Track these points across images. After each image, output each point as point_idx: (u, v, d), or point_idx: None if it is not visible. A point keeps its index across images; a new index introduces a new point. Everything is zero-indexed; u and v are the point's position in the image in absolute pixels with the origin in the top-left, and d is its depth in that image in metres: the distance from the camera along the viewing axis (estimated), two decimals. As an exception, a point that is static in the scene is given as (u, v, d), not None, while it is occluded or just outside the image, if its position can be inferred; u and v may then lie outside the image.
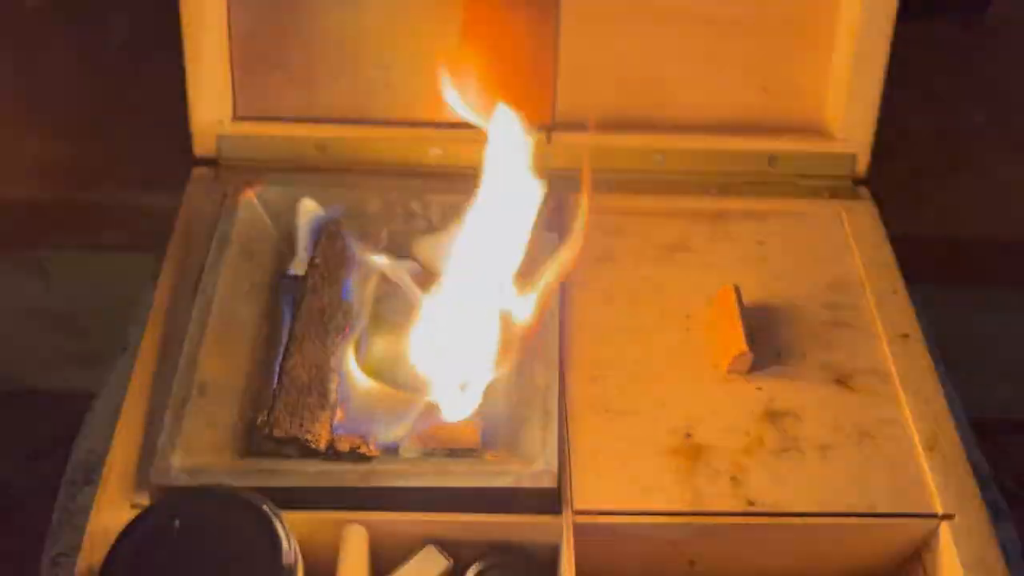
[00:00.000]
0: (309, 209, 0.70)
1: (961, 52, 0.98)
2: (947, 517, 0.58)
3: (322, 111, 0.77)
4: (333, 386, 0.62)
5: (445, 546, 0.56)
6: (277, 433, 0.59)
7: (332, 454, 0.59)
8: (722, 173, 0.78)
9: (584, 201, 0.61)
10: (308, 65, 0.76)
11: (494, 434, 0.61)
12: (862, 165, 0.78)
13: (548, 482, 0.56)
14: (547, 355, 0.63)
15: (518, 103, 0.76)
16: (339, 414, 0.61)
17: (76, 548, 0.56)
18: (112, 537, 0.51)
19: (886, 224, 0.75)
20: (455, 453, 0.60)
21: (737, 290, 0.67)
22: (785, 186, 0.78)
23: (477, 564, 0.56)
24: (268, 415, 0.61)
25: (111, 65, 0.92)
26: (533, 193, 0.63)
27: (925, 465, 0.60)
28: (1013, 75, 0.98)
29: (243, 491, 0.52)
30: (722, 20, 0.75)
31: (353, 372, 0.63)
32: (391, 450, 0.60)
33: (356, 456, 0.59)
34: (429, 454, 0.60)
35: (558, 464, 0.57)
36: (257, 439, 0.61)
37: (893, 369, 0.66)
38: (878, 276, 0.71)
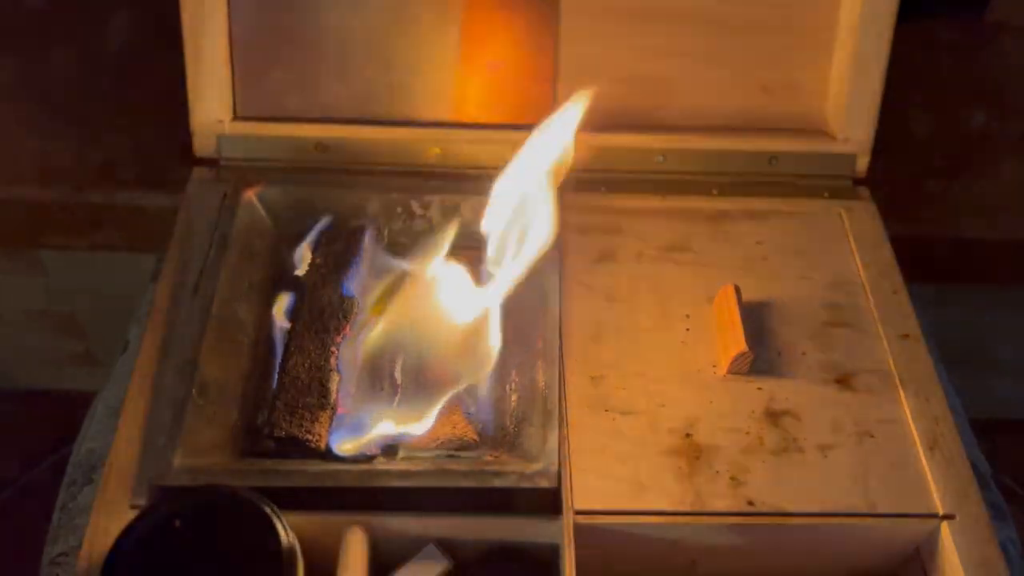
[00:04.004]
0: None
1: (961, 52, 0.98)
2: (947, 517, 0.58)
3: (322, 111, 0.77)
4: (333, 386, 0.62)
5: (445, 546, 0.56)
6: (277, 433, 0.59)
7: (332, 454, 0.59)
8: (722, 173, 0.78)
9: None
10: (307, 65, 0.76)
11: (494, 434, 0.61)
12: (862, 165, 0.78)
13: (548, 482, 0.56)
14: (547, 355, 0.63)
15: (518, 103, 0.77)
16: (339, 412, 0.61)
17: (76, 548, 0.56)
18: (112, 537, 0.51)
19: (886, 224, 0.75)
20: (455, 453, 0.60)
21: (737, 290, 0.67)
22: (785, 186, 0.78)
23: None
24: (268, 415, 0.61)
25: (111, 65, 0.91)
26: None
27: (925, 465, 0.60)
28: (1013, 75, 0.98)
29: (243, 491, 0.52)
30: (722, 20, 0.75)
31: (354, 370, 0.63)
32: (391, 450, 0.60)
33: (356, 456, 0.59)
34: (429, 454, 0.60)
35: (558, 464, 0.57)
36: (257, 439, 0.61)
37: (893, 369, 0.66)
38: (878, 276, 0.71)
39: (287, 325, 0.66)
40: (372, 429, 0.59)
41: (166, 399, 0.60)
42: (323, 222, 0.71)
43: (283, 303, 0.68)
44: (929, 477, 0.60)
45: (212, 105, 0.75)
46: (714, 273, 0.71)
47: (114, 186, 0.83)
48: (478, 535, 0.56)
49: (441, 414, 0.60)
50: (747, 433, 0.62)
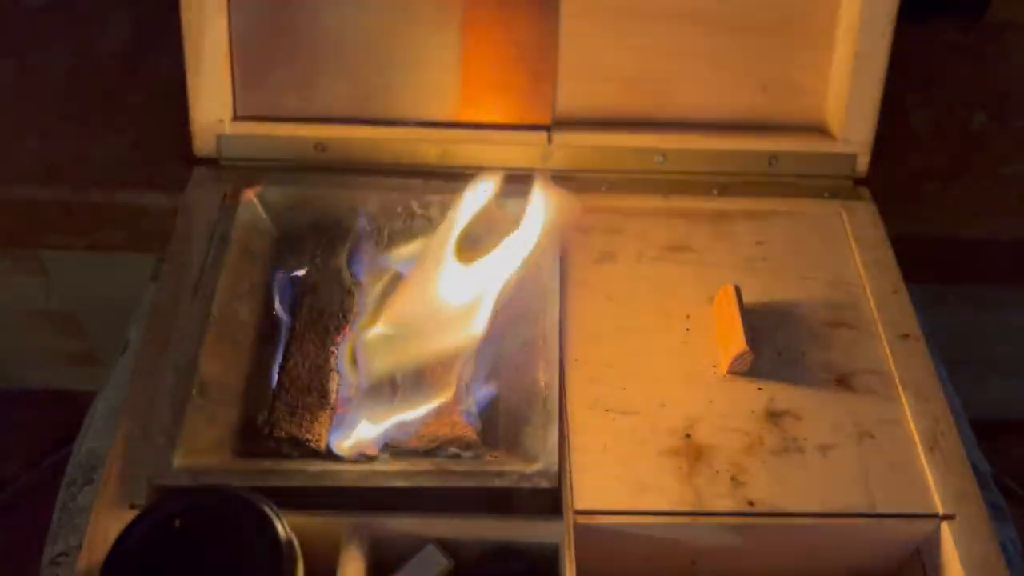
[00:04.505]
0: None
1: (961, 52, 0.98)
2: (947, 517, 0.58)
3: (322, 111, 0.77)
4: (333, 386, 0.62)
5: (445, 546, 0.56)
6: (277, 433, 0.59)
7: (332, 454, 0.59)
8: (722, 173, 0.78)
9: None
10: (308, 65, 0.76)
11: (494, 434, 0.61)
12: (862, 165, 0.78)
13: (548, 482, 0.56)
14: (547, 355, 0.63)
15: (518, 103, 0.77)
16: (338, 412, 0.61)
17: (76, 548, 0.56)
18: (112, 537, 0.51)
19: (886, 224, 0.75)
20: (455, 453, 0.60)
21: (737, 290, 0.67)
22: (785, 186, 0.78)
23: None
24: (268, 415, 0.61)
25: (111, 65, 0.91)
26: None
27: (925, 465, 0.60)
28: (1013, 75, 0.98)
29: (243, 491, 0.52)
30: (722, 20, 0.75)
31: (353, 370, 0.63)
32: (390, 450, 0.60)
33: (356, 456, 0.59)
34: (429, 454, 0.60)
35: (558, 464, 0.57)
36: (257, 439, 0.61)
37: (893, 369, 0.66)
38: (878, 276, 0.71)
39: (288, 325, 0.66)
40: (370, 430, 0.59)
41: (166, 399, 0.60)
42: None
43: (283, 303, 0.68)
44: (929, 477, 0.60)
45: (212, 105, 0.75)
46: (714, 273, 0.71)
47: (114, 186, 0.83)
48: (478, 535, 0.56)
49: (440, 414, 0.60)
50: (747, 433, 0.62)
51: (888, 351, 0.67)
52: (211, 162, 0.77)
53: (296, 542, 0.51)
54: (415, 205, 0.73)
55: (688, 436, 0.61)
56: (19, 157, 0.85)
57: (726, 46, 0.76)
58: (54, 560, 0.60)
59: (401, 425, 0.59)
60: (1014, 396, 1.15)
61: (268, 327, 0.67)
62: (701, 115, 0.78)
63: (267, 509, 0.51)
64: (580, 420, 0.62)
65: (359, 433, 0.59)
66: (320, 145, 0.76)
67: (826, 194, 0.77)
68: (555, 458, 0.57)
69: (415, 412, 0.59)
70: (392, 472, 0.57)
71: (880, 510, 0.58)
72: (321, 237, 0.71)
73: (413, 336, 0.63)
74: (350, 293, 0.67)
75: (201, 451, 0.58)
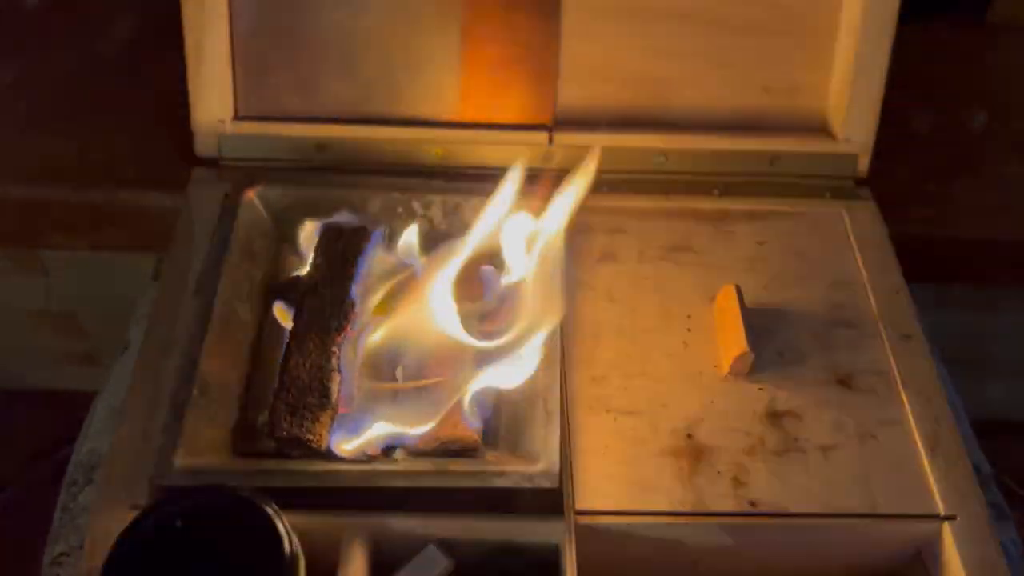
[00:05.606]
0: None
1: (962, 52, 0.98)
2: (948, 518, 0.58)
3: (323, 111, 0.77)
4: (334, 386, 0.62)
5: (446, 546, 0.56)
6: (278, 433, 0.59)
7: (333, 454, 0.59)
8: (723, 173, 0.78)
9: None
10: (308, 65, 0.76)
11: (495, 434, 0.61)
12: (863, 165, 0.78)
13: (549, 483, 0.56)
14: (548, 355, 0.63)
15: (520, 103, 0.77)
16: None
17: (76, 548, 0.56)
18: (113, 537, 0.51)
19: (887, 224, 0.75)
20: (456, 453, 0.60)
21: (739, 290, 0.67)
22: (786, 186, 0.78)
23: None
24: (269, 415, 0.60)
25: (111, 65, 0.91)
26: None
27: (927, 466, 0.60)
28: (1013, 75, 0.98)
29: (243, 491, 0.52)
30: (723, 20, 0.75)
31: (355, 370, 0.63)
32: (392, 451, 0.60)
33: (357, 456, 0.59)
34: (429, 454, 0.60)
35: (559, 464, 0.57)
36: (258, 439, 0.61)
37: (894, 369, 0.66)
38: (879, 276, 0.71)
39: (288, 325, 0.66)
40: (372, 430, 0.59)
41: (166, 399, 0.60)
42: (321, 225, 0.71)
43: (284, 303, 0.67)
44: (930, 478, 0.60)
45: (213, 105, 0.75)
46: (715, 273, 0.71)
47: (115, 186, 0.83)
48: (479, 535, 0.56)
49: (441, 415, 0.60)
50: (748, 434, 0.62)
51: (889, 351, 0.67)
52: (212, 162, 0.77)
53: (297, 542, 0.51)
54: (416, 205, 0.73)
55: (689, 436, 0.61)
56: (19, 157, 0.84)
57: (727, 46, 0.76)
58: (55, 560, 0.60)
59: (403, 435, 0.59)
60: (1015, 396, 1.15)
61: (268, 327, 0.67)
62: (702, 115, 0.78)
63: (268, 509, 0.51)
64: (581, 420, 0.62)
65: (361, 435, 0.59)
66: (321, 145, 0.76)
67: (827, 194, 0.77)
68: (556, 458, 0.57)
69: (419, 428, 0.59)
70: (393, 472, 0.57)
71: (881, 511, 0.58)
72: (321, 237, 0.71)
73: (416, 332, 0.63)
74: (350, 293, 0.67)
75: (202, 451, 0.58)
